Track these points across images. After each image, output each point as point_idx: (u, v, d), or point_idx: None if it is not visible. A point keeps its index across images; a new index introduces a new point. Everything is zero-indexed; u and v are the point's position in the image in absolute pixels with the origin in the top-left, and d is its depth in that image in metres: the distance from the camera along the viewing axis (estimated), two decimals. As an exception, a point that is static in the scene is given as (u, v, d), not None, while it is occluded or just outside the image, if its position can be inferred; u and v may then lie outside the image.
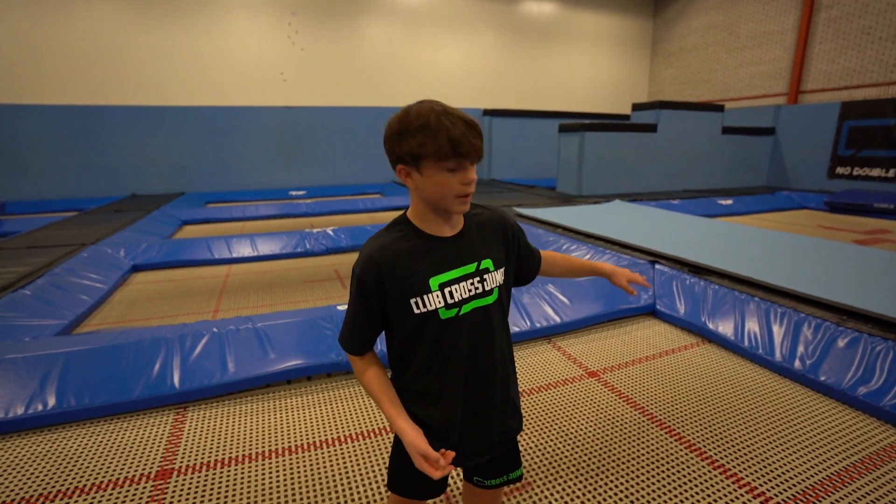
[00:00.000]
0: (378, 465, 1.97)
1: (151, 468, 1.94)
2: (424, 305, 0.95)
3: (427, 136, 0.87)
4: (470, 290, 0.99)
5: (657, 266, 3.95)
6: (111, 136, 10.13)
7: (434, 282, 0.96)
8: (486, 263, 1.02)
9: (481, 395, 1.04)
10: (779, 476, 1.89)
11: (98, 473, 1.91)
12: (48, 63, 9.57)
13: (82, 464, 1.97)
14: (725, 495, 1.78)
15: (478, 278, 1.00)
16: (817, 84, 10.29)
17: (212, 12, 10.52)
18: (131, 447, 2.08)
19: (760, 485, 1.84)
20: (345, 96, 11.90)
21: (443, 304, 0.96)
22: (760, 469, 1.93)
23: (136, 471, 1.93)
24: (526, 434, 2.18)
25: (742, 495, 1.78)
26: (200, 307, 3.87)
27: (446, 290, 0.96)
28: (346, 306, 2.98)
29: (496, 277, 1.03)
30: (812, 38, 10.26)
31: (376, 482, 1.86)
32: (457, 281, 0.97)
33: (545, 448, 2.08)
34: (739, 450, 2.06)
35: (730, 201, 8.22)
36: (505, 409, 1.09)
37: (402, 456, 1.05)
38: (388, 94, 12.21)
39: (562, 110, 13.22)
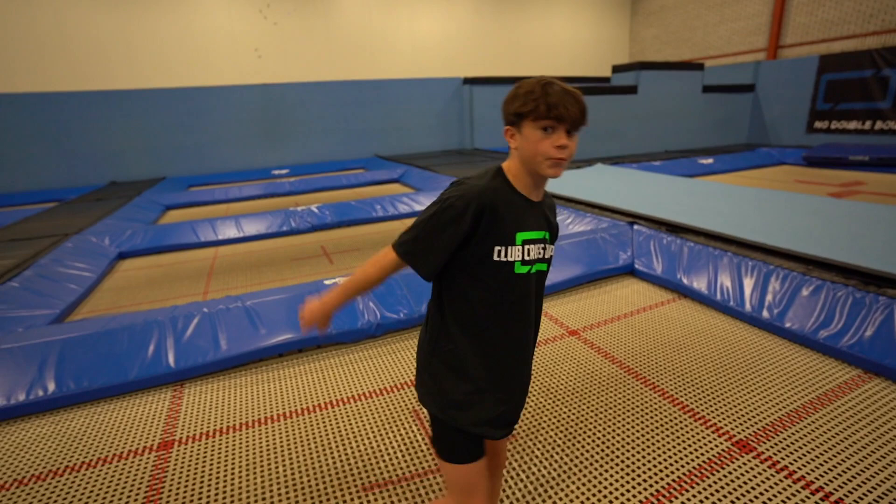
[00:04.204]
0: (367, 424, 2.08)
1: (153, 440, 2.04)
2: (505, 255, 1.03)
3: (529, 98, 0.98)
4: (539, 253, 1.09)
5: (636, 227, 4.06)
6: (86, 123, 9.88)
7: (520, 236, 1.04)
8: (548, 235, 1.13)
9: (528, 350, 1.16)
10: (742, 416, 2.04)
11: (102, 449, 2.01)
12: (14, 52, 9.21)
13: (87, 441, 2.06)
14: (693, 435, 1.93)
15: (543, 245, 1.10)
16: (796, 38, 10.28)
17: (178, -12, 10.14)
18: (133, 423, 2.17)
19: (725, 424, 1.99)
20: (322, 71, 11.65)
21: (520, 258, 1.05)
22: (726, 411, 2.08)
23: (138, 444, 2.03)
24: (509, 391, 2.30)
25: (708, 434, 1.93)
26: (190, 290, 3.92)
27: (526, 247, 1.05)
28: (333, 280, 3.05)
29: (551, 249, 1.14)
30: (791, -9, 10.20)
31: (367, 440, 1.98)
32: (533, 242, 1.07)
33: (528, 403, 2.20)
34: (709, 395, 2.20)
35: (710, 160, 8.31)
36: (531, 364, 1.21)
37: (444, 427, 1.12)
38: (366, 67, 11.98)
39: (543, 75, 13.03)
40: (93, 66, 9.83)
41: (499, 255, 1.02)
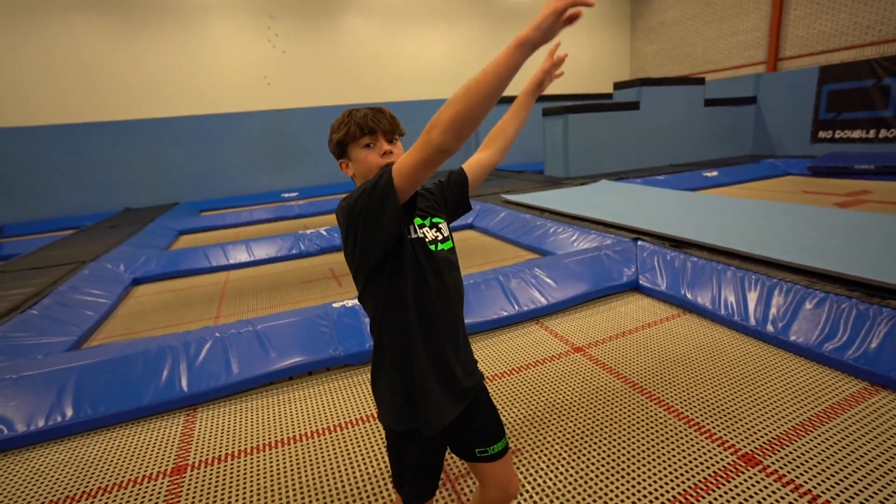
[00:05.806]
0: (376, 446, 2.12)
1: (167, 465, 2.09)
2: (413, 232, 1.09)
3: (342, 127, 1.10)
4: (436, 235, 1.14)
5: (640, 243, 4.09)
6: (100, 152, 10.21)
7: (416, 220, 1.12)
8: (437, 220, 1.18)
9: (457, 328, 1.16)
10: (748, 429, 2.04)
11: (118, 474, 2.06)
12: (32, 84, 9.60)
13: (103, 466, 2.12)
14: (698, 449, 1.94)
15: (434, 229, 1.15)
16: (795, 50, 10.37)
17: (191, 23, 10.53)
18: (147, 448, 2.23)
19: (731, 438, 1.99)
20: (329, 95, 11.94)
21: (424, 238, 1.11)
22: (732, 424, 2.08)
23: (153, 469, 2.08)
24: (514, 407, 2.33)
25: (713, 448, 1.94)
26: (202, 314, 4.01)
27: (422, 230, 1.12)
28: (342, 303, 3.10)
29: (446, 229, 1.19)
30: (787, 5, 10.32)
31: (377, 461, 2.01)
32: (421, 227, 1.12)
33: (533, 419, 2.23)
34: (714, 409, 2.21)
35: (715, 173, 8.33)
36: (466, 347, 1.20)
37: (397, 453, 1.16)
38: (371, 91, 12.25)
39: (545, 93, 13.22)
40: (108, 97, 10.19)
41: (410, 234, 1.09)
